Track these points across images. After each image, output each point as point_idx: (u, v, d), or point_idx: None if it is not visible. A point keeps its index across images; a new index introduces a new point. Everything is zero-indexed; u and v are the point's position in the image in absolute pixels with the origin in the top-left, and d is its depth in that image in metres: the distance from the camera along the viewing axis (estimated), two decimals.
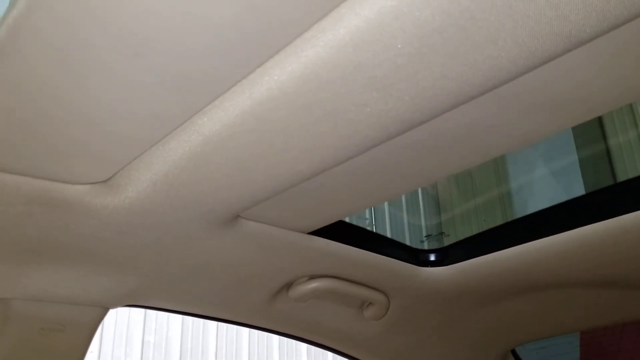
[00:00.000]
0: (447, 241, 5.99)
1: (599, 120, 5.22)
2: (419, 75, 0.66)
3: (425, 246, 5.88)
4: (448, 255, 1.37)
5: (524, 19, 0.58)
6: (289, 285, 1.29)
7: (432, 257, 1.38)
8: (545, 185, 4.88)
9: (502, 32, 0.59)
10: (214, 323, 4.58)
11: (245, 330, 4.86)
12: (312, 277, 1.28)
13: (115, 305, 1.17)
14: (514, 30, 0.59)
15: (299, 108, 0.72)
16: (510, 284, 1.35)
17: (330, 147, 0.79)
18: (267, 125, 0.75)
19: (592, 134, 5.09)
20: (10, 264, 1.02)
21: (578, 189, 4.57)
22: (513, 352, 1.77)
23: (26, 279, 1.05)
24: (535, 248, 1.20)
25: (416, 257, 1.38)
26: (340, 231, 1.26)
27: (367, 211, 5.61)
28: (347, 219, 1.28)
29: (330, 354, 1.57)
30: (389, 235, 5.72)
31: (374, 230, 5.45)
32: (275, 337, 4.98)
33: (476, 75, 0.65)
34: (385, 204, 5.81)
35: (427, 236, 5.95)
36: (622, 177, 4.71)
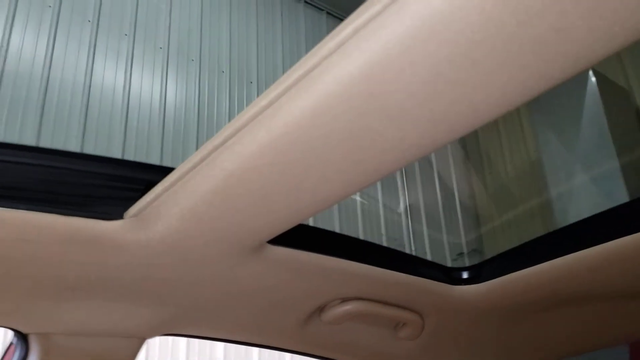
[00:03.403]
0: (481, 258, 5.87)
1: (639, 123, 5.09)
2: (431, 102, 0.67)
3: (467, 263, 5.77)
4: (482, 272, 1.36)
5: (530, 44, 0.58)
6: (321, 309, 1.30)
7: (465, 275, 1.37)
8: (587, 193, 4.76)
9: (510, 57, 0.60)
10: None
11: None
12: (344, 300, 1.28)
13: (151, 335, 1.20)
14: (521, 55, 0.59)
15: (316, 140, 0.74)
16: (550, 297, 1.33)
17: (350, 174, 0.81)
18: (286, 157, 0.77)
19: (633, 138, 4.96)
20: (50, 300, 1.05)
21: (621, 196, 4.44)
22: None
23: (65, 315, 1.08)
24: (574, 260, 1.17)
25: (449, 275, 1.36)
26: (370, 253, 1.26)
27: (403, 232, 5.54)
28: (384, 241, 1.27)
29: None
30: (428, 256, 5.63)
31: (414, 252, 5.38)
32: None
33: (489, 98, 0.66)
34: (424, 224, 5.73)
35: (460, 254, 5.82)
36: None
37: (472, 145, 6.56)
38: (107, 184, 1.01)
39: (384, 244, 5.11)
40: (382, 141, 0.74)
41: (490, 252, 5.93)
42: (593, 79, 4.99)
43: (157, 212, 0.94)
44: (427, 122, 0.70)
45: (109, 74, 3.96)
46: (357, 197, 5.29)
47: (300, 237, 1.14)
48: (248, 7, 5.16)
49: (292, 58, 5.22)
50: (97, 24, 4.04)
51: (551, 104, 5.18)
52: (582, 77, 5.03)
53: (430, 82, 0.64)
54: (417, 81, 0.64)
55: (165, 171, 0.93)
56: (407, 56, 0.60)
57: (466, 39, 0.58)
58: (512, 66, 0.61)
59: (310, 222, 4.52)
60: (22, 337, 1.10)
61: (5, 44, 3.57)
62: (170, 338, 4.13)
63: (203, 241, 0.98)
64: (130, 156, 3.83)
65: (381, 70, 0.63)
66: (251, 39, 5.01)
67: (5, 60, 3.52)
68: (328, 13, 5.87)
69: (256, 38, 5.04)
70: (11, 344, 1.16)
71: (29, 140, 3.44)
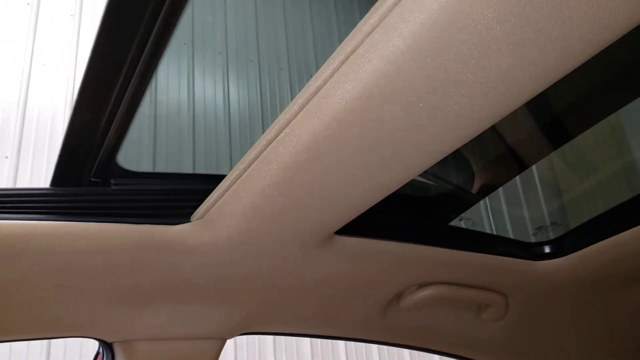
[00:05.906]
0: (566, 230, 5.57)
1: None
2: (486, 70, 0.62)
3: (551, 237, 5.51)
4: (564, 244, 1.28)
5: None
6: (398, 296, 1.26)
7: (548, 249, 1.29)
8: None
9: (567, 9, 0.54)
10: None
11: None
12: (422, 286, 1.24)
13: (231, 335, 1.21)
14: (579, 6, 0.54)
15: (368, 123, 0.71)
16: None
17: (410, 157, 0.78)
18: (340, 144, 0.75)
19: None
20: (129, 308, 1.08)
21: None
22: None
23: (146, 321, 1.11)
24: None
25: (530, 251, 1.30)
26: (443, 235, 1.22)
27: (482, 212, 5.37)
28: (462, 224, 1.23)
29: None
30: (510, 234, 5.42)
31: (495, 232, 5.20)
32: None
33: (548, 60, 0.61)
34: (502, 201, 5.52)
35: (538, 228, 5.56)
36: None
37: None
38: (172, 197, 1.05)
39: (462, 226, 4.98)
40: (439, 118, 0.70)
41: (576, 224, 5.64)
42: None
43: (221, 212, 0.95)
44: (484, 92, 0.66)
45: (173, 87, 4.06)
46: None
47: (370, 225, 1.11)
48: (301, 0, 5.16)
49: None
50: None
51: None
52: None
53: (481, 48, 0.59)
54: (468, 49, 0.59)
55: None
56: (455, 22, 0.56)
57: None
58: (570, 19, 0.55)
59: None
60: (107, 347, 1.13)
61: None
62: (256, 336, 4.20)
63: (269, 237, 0.98)
64: (200, 165, 3.91)
65: (429, 43, 0.59)
66: (307, 32, 5.00)
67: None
68: None
69: (312, 30, 5.03)
70: (98, 354, 1.20)
71: None
